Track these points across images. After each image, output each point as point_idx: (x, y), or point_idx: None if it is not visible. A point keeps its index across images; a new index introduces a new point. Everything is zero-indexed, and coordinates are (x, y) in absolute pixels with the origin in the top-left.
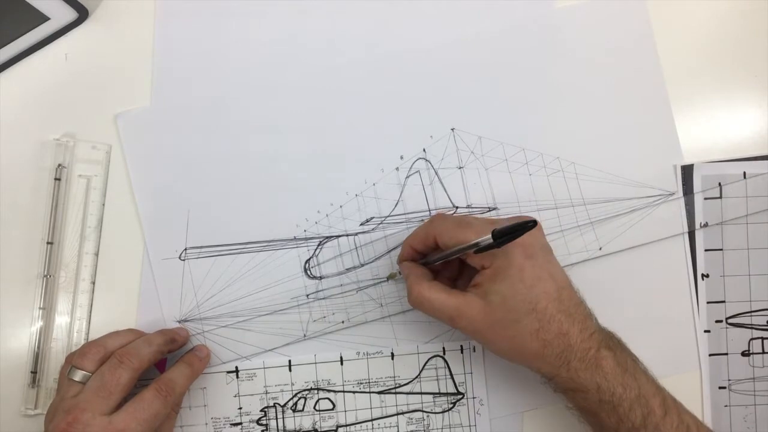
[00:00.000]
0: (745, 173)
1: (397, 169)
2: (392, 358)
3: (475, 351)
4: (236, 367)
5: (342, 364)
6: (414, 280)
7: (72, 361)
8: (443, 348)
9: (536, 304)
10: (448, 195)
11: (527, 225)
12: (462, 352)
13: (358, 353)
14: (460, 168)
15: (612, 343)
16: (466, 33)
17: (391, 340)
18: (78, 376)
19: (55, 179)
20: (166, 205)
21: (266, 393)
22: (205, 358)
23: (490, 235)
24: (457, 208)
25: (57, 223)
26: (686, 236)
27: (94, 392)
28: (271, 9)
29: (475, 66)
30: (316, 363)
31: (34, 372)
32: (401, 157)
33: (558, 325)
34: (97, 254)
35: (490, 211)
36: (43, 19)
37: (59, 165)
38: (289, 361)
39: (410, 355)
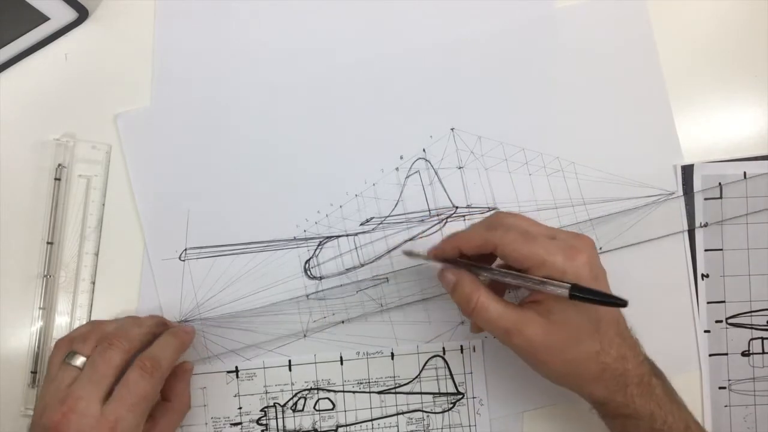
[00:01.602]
0: (745, 173)
1: (397, 169)
2: (392, 358)
3: (474, 351)
4: (236, 367)
5: (342, 364)
6: (473, 286)
7: (73, 345)
8: (443, 348)
9: (599, 326)
10: (447, 195)
11: (617, 302)
12: (462, 352)
13: (358, 353)
14: (459, 168)
15: (657, 370)
16: (466, 33)
17: (391, 340)
18: (79, 361)
19: (55, 179)
20: (166, 205)
21: (266, 393)
22: (192, 332)
23: (567, 290)
24: (456, 208)
25: (57, 223)
26: (686, 236)
27: (87, 378)
28: (271, 9)
29: (475, 66)
30: (316, 363)
31: (34, 372)
32: (401, 157)
33: (617, 348)
34: (97, 254)
35: (489, 211)
36: (43, 19)
37: (59, 165)
38: (289, 361)
39: (410, 355)
